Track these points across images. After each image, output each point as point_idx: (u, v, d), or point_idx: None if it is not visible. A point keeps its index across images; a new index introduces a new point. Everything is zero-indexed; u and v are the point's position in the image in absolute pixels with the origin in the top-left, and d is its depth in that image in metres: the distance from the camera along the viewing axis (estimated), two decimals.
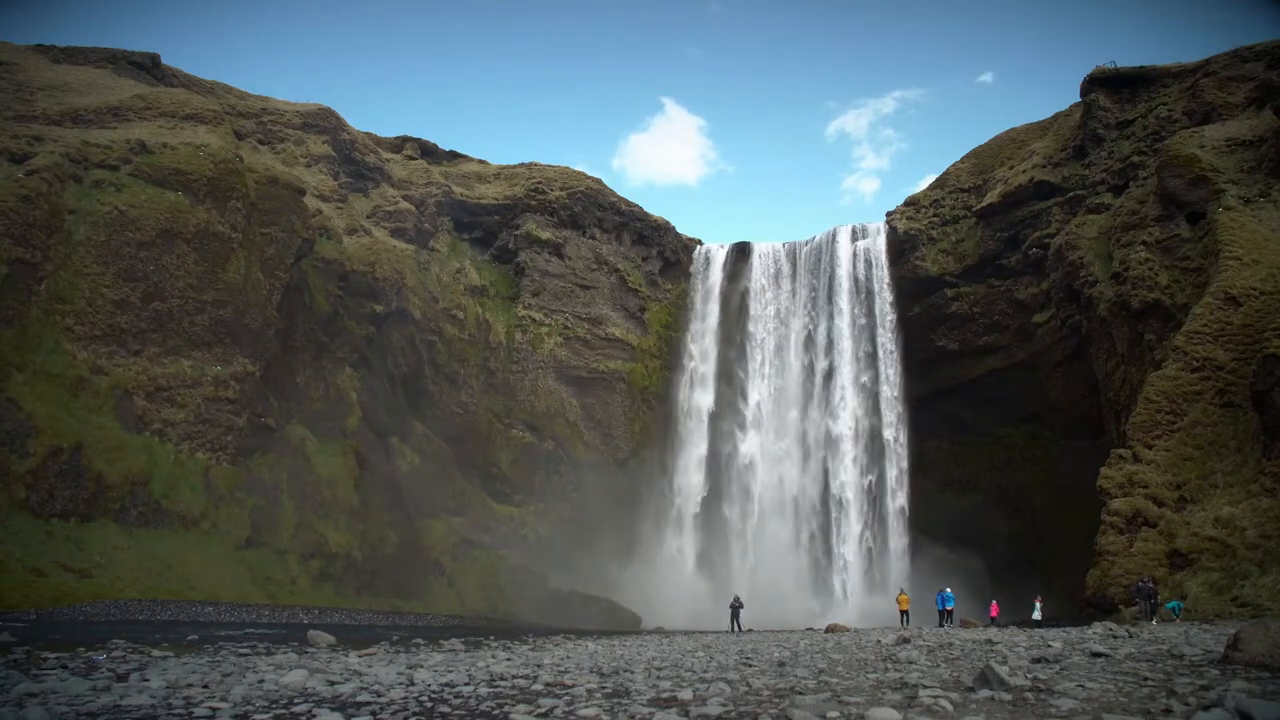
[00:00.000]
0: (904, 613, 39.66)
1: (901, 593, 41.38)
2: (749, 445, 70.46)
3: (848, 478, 65.41)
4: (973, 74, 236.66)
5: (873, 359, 67.49)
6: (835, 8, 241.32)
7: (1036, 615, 38.44)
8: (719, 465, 71.40)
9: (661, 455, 72.86)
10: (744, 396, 72.12)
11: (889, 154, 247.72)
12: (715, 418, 72.04)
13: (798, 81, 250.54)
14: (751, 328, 73.25)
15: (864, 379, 67.39)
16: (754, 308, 73.63)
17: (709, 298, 76.13)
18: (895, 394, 66.26)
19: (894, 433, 65.49)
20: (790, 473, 68.58)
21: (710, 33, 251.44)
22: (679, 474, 71.77)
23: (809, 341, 70.56)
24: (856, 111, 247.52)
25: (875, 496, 64.76)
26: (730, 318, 75.13)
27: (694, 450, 71.78)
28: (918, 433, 66.81)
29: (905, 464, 64.34)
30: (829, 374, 68.71)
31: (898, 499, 63.55)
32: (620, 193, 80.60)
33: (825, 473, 66.99)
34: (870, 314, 68.35)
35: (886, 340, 67.37)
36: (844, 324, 68.68)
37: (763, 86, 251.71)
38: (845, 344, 68.25)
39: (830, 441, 67.15)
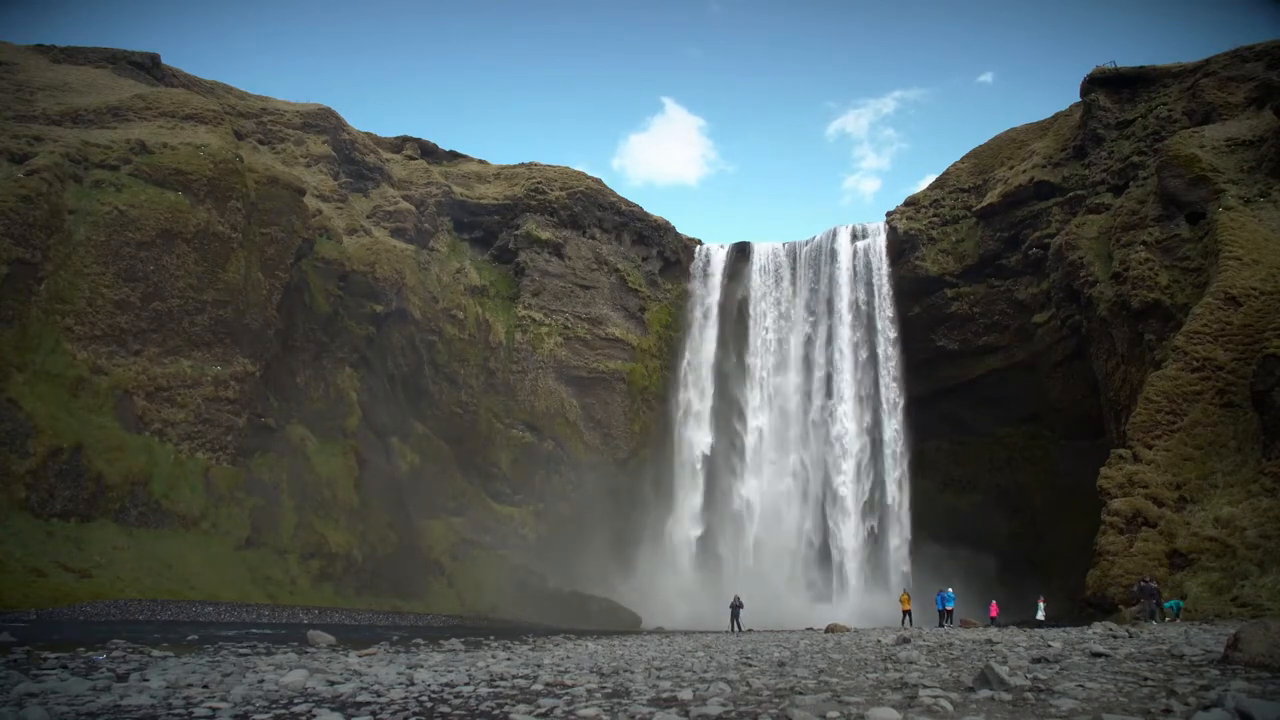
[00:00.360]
0: (906, 612, 39.74)
1: (904, 593, 41.46)
2: (748, 488, 68.89)
3: (848, 535, 63.35)
4: (973, 74, 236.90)
5: (874, 398, 65.96)
6: (835, 8, 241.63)
7: (1040, 615, 38.44)
8: (714, 503, 70.08)
9: (657, 467, 71.55)
10: (742, 419, 70.64)
11: (889, 154, 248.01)
12: (710, 459, 70.79)
13: (798, 81, 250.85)
14: (750, 360, 71.78)
15: (866, 419, 65.83)
16: (753, 338, 72.19)
17: (706, 320, 74.54)
18: (900, 449, 64.37)
19: (896, 490, 63.39)
20: (790, 515, 67.12)
21: (710, 33, 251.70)
22: (673, 519, 70.00)
23: (808, 370, 69.30)
24: (856, 111, 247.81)
25: (878, 539, 63.08)
26: (729, 323, 74.34)
27: (690, 498, 70.13)
28: (918, 433, 66.57)
29: (909, 531, 62.57)
30: (827, 405, 67.33)
31: (901, 564, 61.52)
32: (620, 193, 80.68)
33: (824, 515, 65.51)
34: (873, 350, 67.07)
35: (891, 389, 65.54)
36: (846, 365, 67.09)
37: (763, 86, 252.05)
38: (848, 390, 66.56)
39: (829, 485, 65.68)
